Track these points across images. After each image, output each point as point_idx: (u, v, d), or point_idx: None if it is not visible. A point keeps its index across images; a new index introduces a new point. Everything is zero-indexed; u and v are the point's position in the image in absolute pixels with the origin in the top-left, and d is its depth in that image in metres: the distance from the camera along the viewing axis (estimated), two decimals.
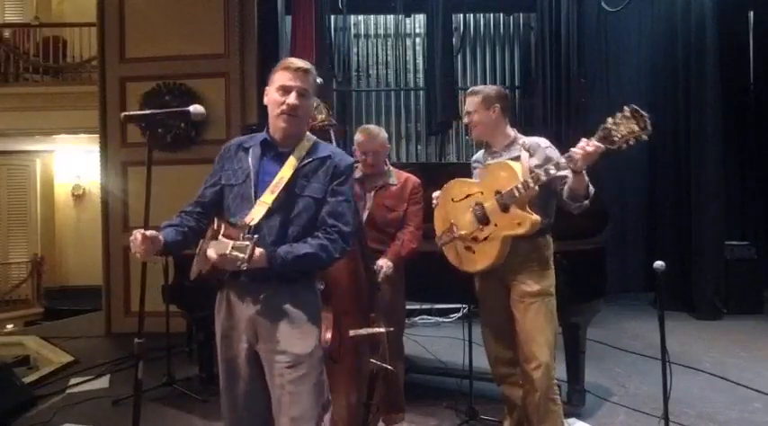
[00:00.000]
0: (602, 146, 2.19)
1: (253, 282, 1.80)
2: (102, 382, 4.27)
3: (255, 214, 1.79)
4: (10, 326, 8.66)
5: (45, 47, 9.00)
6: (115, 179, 5.94)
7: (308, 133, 1.98)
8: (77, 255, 10.25)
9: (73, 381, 4.29)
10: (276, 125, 1.88)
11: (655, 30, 7.13)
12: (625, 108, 2.14)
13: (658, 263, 2.48)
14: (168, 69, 5.94)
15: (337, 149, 2.02)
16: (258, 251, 1.68)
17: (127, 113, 1.95)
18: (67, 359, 4.92)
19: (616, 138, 2.15)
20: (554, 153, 2.53)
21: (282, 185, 1.82)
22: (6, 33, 9.15)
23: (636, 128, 2.12)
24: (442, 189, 2.77)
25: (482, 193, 2.52)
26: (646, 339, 5.01)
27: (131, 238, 1.73)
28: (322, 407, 1.83)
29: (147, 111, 1.93)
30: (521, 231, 2.42)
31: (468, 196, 2.57)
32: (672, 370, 2.53)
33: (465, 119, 2.66)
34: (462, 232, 2.56)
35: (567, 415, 2.69)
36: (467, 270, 2.63)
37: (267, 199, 1.81)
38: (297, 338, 1.79)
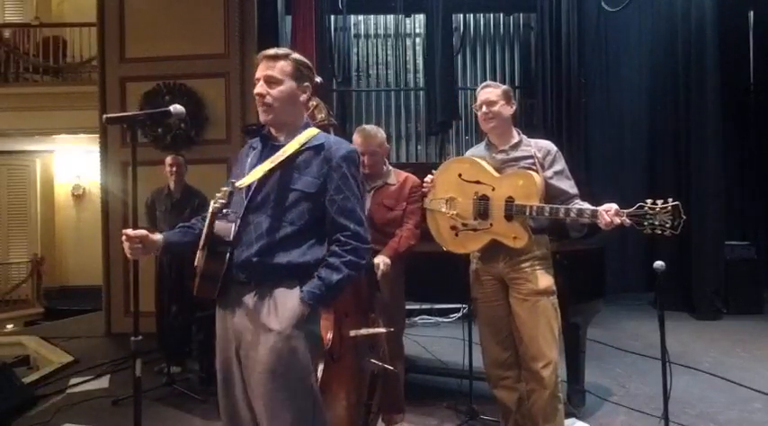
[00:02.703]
0: (630, 223, 2.19)
1: (236, 286, 1.73)
2: (102, 382, 4.27)
3: (248, 179, 1.73)
4: (10, 326, 8.66)
5: (45, 47, 9.00)
6: (115, 179, 5.94)
7: (309, 124, 1.89)
8: (77, 255, 10.25)
9: (73, 381, 4.29)
10: (259, 117, 1.83)
11: (655, 30, 7.13)
12: (670, 201, 2.13)
13: (658, 263, 2.48)
14: (168, 69, 5.95)
15: (333, 137, 1.89)
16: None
17: (108, 115, 1.88)
18: (67, 359, 4.92)
19: (646, 224, 2.15)
20: (562, 160, 2.58)
21: (284, 157, 1.74)
22: (6, 33, 9.16)
23: (668, 223, 2.12)
24: (456, 158, 2.79)
25: (493, 189, 2.48)
26: (646, 339, 5.01)
27: (123, 238, 1.74)
28: (306, 419, 1.70)
29: (129, 113, 1.92)
30: (511, 244, 2.43)
31: (477, 182, 2.53)
32: (672, 370, 2.53)
33: (483, 109, 2.55)
34: (454, 212, 2.55)
35: (567, 415, 2.69)
36: (439, 243, 2.66)
37: (265, 166, 1.74)
38: (272, 348, 1.66)
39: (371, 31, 7.77)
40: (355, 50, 7.70)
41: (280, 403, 1.66)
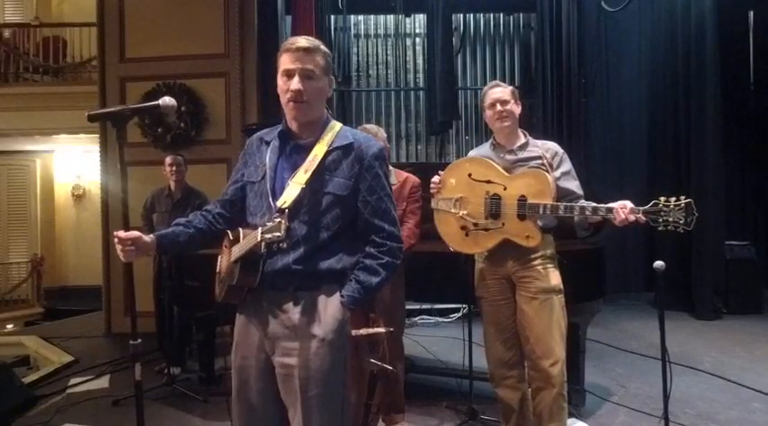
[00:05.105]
0: (645, 220, 2.22)
1: (269, 292, 1.66)
2: (102, 382, 4.28)
3: (288, 196, 1.61)
4: (10, 326, 8.66)
5: (45, 47, 9.00)
6: (115, 179, 5.95)
7: (332, 119, 1.79)
8: (77, 255, 10.25)
9: (73, 381, 4.29)
10: (287, 114, 1.72)
11: (655, 30, 7.13)
12: (682, 198, 2.17)
13: (658, 263, 2.48)
14: (168, 69, 5.96)
15: (359, 134, 1.78)
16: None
17: (91, 112, 1.73)
18: (67, 359, 4.93)
19: (660, 220, 2.18)
20: (569, 161, 2.59)
21: (317, 163, 1.64)
22: (6, 33, 9.15)
23: (682, 220, 2.15)
24: (465, 158, 2.76)
25: (505, 189, 2.48)
26: (646, 339, 5.01)
27: (114, 240, 1.67)
28: (339, 421, 1.68)
29: (113, 108, 1.74)
30: (524, 244, 2.43)
31: (488, 181, 2.52)
32: (672, 370, 2.54)
33: (498, 107, 2.55)
34: (464, 212, 2.54)
35: (568, 415, 2.68)
36: (448, 244, 2.63)
37: (301, 178, 1.62)
38: (316, 353, 1.62)
39: (371, 31, 7.77)
40: (355, 50, 7.70)
41: (320, 407, 1.63)
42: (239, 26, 5.98)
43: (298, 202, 1.62)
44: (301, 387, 1.62)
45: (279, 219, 1.52)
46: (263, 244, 1.57)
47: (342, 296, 1.67)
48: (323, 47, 1.70)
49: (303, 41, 1.67)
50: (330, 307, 1.66)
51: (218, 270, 1.82)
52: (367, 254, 1.70)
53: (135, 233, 1.68)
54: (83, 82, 8.57)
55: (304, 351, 1.63)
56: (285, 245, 1.59)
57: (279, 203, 1.61)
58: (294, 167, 1.68)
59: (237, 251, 1.66)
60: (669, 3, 6.70)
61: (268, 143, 1.78)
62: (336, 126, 1.75)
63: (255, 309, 1.70)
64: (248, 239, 1.63)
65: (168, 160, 4.43)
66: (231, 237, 1.74)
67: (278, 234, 1.51)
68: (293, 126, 1.74)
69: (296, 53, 1.65)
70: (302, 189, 1.62)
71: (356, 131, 1.81)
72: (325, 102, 1.76)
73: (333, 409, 1.66)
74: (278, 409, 1.71)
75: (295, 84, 1.64)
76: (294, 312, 1.64)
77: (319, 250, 1.65)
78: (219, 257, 1.83)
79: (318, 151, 1.67)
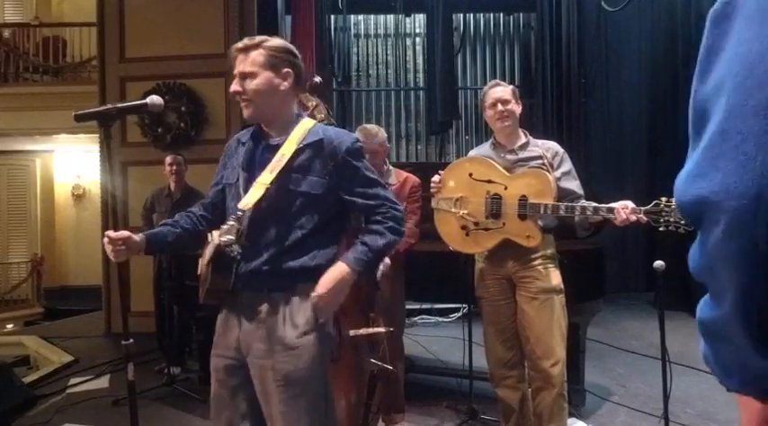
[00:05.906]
0: (646, 220, 2.21)
1: (246, 293, 1.66)
2: (102, 382, 4.27)
3: (251, 197, 1.61)
4: (10, 326, 8.66)
5: (45, 47, 9.00)
6: (115, 178, 5.94)
7: (305, 117, 1.79)
8: (77, 255, 10.26)
9: (73, 381, 4.29)
10: None
11: (655, 30, 7.13)
12: None
13: (658, 263, 2.48)
14: (168, 69, 5.96)
15: (330, 129, 1.76)
16: (338, 269, 1.62)
17: (78, 112, 1.71)
18: (67, 358, 4.93)
19: (662, 220, 2.17)
20: (569, 161, 2.59)
21: (284, 163, 1.63)
22: (6, 33, 9.16)
23: (683, 220, 2.14)
24: (465, 157, 2.76)
25: (505, 188, 2.48)
26: (646, 339, 5.01)
27: (105, 240, 1.66)
28: (321, 421, 1.67)
29: (100, 108, 1.75)
30: (525, 243, 2.43)
31: (489, 181, 2.52)
32: (672, 370, 2.54)
33: (499, 107, 2.54)
34: (464, 212, 2.53)
35: (568, 415, 2.69)
36: (448, 244, 2.63)
37: (266, 179, 1.63)
38: (289, 354, 1.61)
39: (371, 31, 7.78)
40: (355, 50, 7.71)
41: (298, 409, 1.62)
42: (239, 26, 5.98)
43: (265, 202, 1.62)
44: (279, 390, 1.61)
45: (232, 223, 1.54)
46: (227, 247, 1.59)
47: (348, 258, 1.65)
48: (270, 42, 1.68)
49: (240, 43, 1.68)
50: (303, 308, 1.64)
51: (198, 273, 1.83)
52: (372, 221, 1.71)
53: (125, 232, 1.68)
54: (83, 82, 8.56)
55: (279, 354, 1.62)
56: (238, 252, 1.60)
57: (241, 205, 1.62)
58: (265, 167, 1.68)
59: (207, 254, 1.66)
60: (669, 3, 6.70)
61: (244, 144, 1.78)
62: (308, 123, 1.74)
63: (234, 310, 1.71)
64: (210, 245, 1.64)
65: (168, 159, 4.43)
66: (208, 240, 1.74)
67: (230, 237, 1.53)
68: (263, 125, 1.75)
69: (234, 57, 1.68)
70: (266, 189, 1.62)
71: (327, 127, 1.79)
72: (282, 97, 1.70)
73: (314, 408, 1.64)
74: (251, 407, 1.70)
75: (232, 86, 1.68)
76: (268, 314, 1.64)
77: (291, 250, 1.65)
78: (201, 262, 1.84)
79: (286, 150, 1.66)
